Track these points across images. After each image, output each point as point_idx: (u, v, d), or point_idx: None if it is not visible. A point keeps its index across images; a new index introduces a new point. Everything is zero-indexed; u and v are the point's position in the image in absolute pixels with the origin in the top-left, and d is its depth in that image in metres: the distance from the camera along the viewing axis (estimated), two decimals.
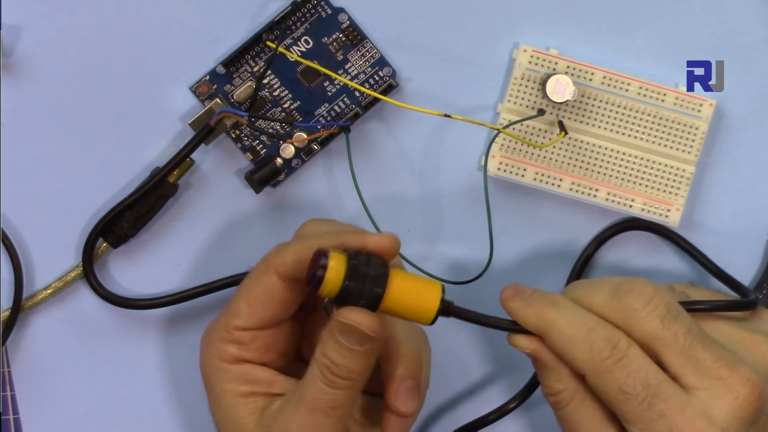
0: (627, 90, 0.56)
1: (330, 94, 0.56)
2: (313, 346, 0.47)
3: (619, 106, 0.56)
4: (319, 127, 0.56)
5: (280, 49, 0.55)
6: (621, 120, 0.56)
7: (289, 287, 0.48)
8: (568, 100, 0.55)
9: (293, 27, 0.56)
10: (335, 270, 0.44)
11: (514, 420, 0.58)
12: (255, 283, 0.49)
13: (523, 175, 0.56)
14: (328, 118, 0.57)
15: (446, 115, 0.53)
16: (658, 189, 0.56)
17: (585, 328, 0.46)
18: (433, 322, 0.46)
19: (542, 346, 0.48)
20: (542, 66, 0.56)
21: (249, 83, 0.56)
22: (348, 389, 0.46)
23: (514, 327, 0.48)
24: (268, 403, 0.48)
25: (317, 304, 0.51)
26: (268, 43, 0.55)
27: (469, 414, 0.58)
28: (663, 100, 0.56)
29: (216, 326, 0.49)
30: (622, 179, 0.56)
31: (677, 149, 0.56)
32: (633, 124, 0.56)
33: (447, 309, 0.46)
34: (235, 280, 0.57)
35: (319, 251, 0.45)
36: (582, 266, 0.57)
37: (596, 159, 0.56)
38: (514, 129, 0.56)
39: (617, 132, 0.56)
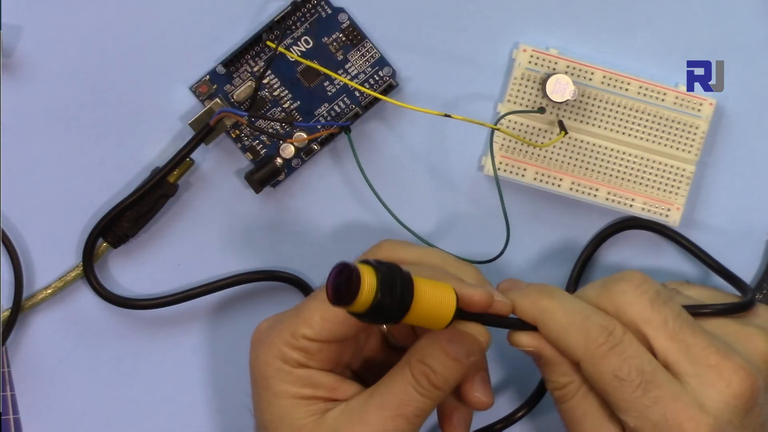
0: (627, 90, 0.56)
1: (330, 94, 0.56)
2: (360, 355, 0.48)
3: (619, 106, 0.56)
4: (319, 127, 0.56)
5: (280, 49, 0.55)
6: (621, 119, 0.56)
7: None
8: (568, 100, 0.55)
9: (293, 27, 0.56)
10: (368, 285, 0.42)
11: (522, 429, 0.58)
12: None
13: (523, 175, 0.56)
14: (328, 118, 0.56)
15: (446, 115, 0.53)
16: (659, 188, 0.56)
17: (580, 316, 0.47)
18: (446, 327, 0.45)
19: (543, 342, 0.48)
20: (542, 66, 0.56)
21: (249, 83, 0.56)
22: (436, 400, 0.47)
23: (512, 321, 0.48)
24: (329, 406, 0.48)
25: None
26: (268, 43, 0.55)
27: (476, 423, 0.57)
28: (663, 100, 0.56)
29: (280, 329, 0.48)
30: (623, 179, 0.56)
31: (677, 149, 0.56)
32: (633, 123, 0.56)
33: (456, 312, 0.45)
34: (235, 280, 0.57)
35: (344, 265, 0.42)
36: (582, 265, 0.57)
37: (596, 159, 0.56)
38: (513, 129, 0.56)
39: (617, 131, 0.56)
